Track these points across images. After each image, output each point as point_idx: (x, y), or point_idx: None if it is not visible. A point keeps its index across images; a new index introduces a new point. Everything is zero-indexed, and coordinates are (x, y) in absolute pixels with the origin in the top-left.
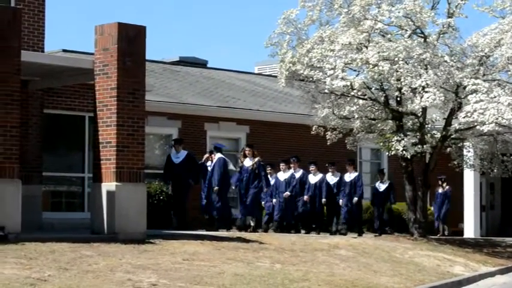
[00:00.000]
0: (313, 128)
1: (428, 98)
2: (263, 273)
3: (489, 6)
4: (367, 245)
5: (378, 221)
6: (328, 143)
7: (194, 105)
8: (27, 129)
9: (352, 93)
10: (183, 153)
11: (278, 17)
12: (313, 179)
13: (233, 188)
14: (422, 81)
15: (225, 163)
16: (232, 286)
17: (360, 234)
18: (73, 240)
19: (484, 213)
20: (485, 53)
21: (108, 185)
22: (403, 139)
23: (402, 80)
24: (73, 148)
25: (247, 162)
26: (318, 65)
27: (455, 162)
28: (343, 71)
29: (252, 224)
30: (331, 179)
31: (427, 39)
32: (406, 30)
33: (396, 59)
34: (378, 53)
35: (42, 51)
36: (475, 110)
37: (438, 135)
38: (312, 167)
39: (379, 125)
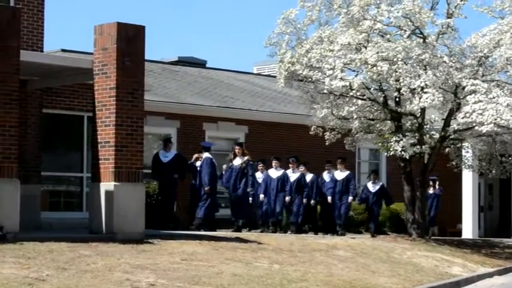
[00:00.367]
0: (312, 128)
1: (427, 98)
2: (261, 273)
3: (488, 6)
4: (365, 246)
5: (372, 222)
6: (326, 143)
7: (193, 105)
8: (26, 128)
9: (351, 94)
10: (172, 153)
11: (277, 17)
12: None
13: (221, 186)
14: (421, 82)
15: (212, 163)
16: (230, 286)
17: (343, 234)
18: (71, 240)
19: (482, 214)
20: (484, 54)
21: (107, 185)
22: (401, 139)
23: (401, 80)
24: (72, 148)
25: (237, 161)
26: (317, 65)
27: (454, 163)
28: (342, 71)
29: (240, 224)
30: (327, 177)
31: (426, 40)
32: (405, 31)
33: (395, 59)
34: (377, 53)
35: (41, 51)
36: (473, 111)
37: (437, 135)
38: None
39: (377, 125)
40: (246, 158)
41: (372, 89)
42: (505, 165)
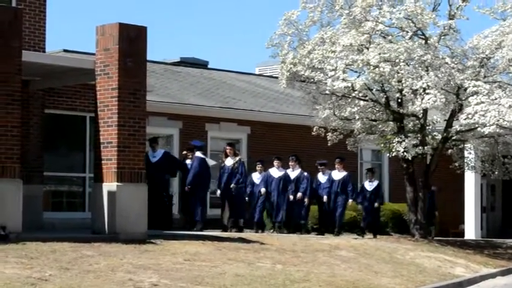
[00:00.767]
0: (314, 129)
1: (429, 99)
2: (264, 273)
3: (490, 8)
4: (368, 246)
5: (366, 221)
6: (329, 144)
7: (195, 106)
8: (28, 129)
9: (353, 95)
10: (160, 152)
11: (279, 18)
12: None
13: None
14: (423, 83)
15: (202, 162)
16: (233, 286)
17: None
18: (74, 240)
19: (484, 215)
20: (486, 55)
21: (109, 185)
22: (404, 140)
23: (403, 81)
24: (74, 148)
25: (229, 162)
26: (319, 66)
27: (456, 164)
28: (344, 72)
29: (241, 225)
30: (323, 178)
31: (428, 41)
32: (407, 32)
33: (397, 60)
34: (379, 54)
35: (43, 52)
36: (476, 112)
37: (439, 136)
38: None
39: (380, 126)
40: (238, 158)
41: (374, 90)
42: (507, 166)
